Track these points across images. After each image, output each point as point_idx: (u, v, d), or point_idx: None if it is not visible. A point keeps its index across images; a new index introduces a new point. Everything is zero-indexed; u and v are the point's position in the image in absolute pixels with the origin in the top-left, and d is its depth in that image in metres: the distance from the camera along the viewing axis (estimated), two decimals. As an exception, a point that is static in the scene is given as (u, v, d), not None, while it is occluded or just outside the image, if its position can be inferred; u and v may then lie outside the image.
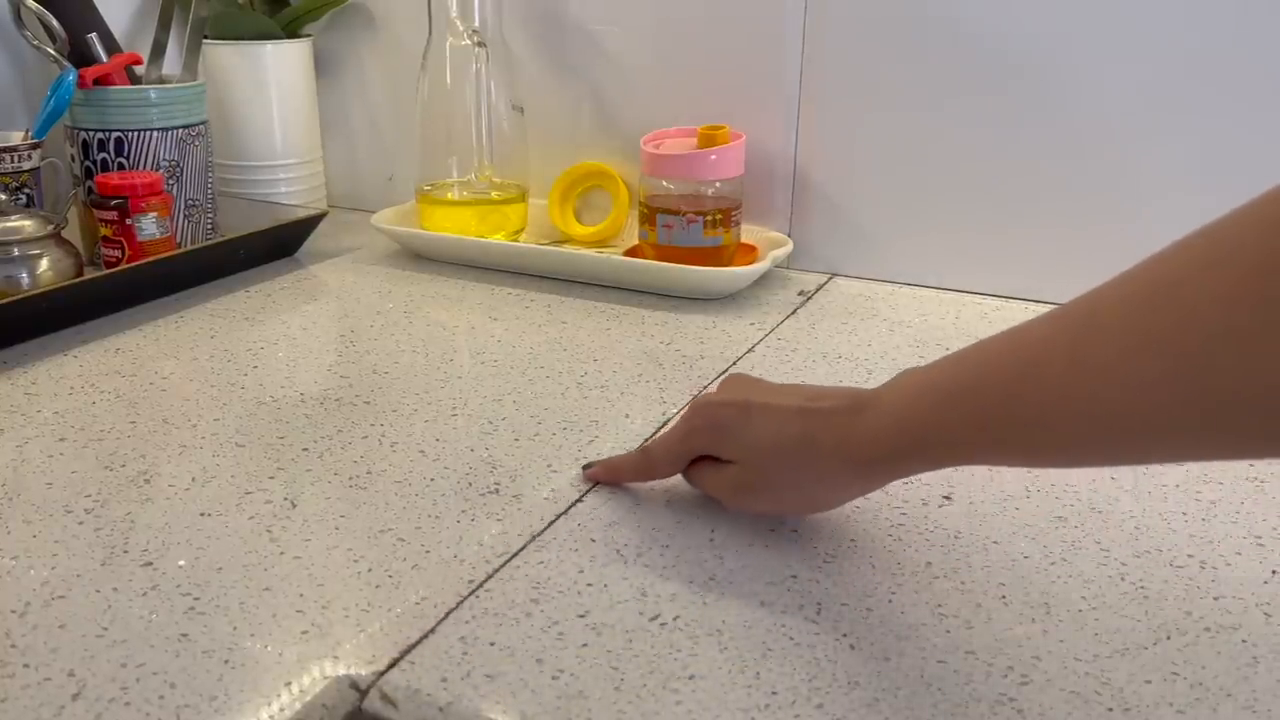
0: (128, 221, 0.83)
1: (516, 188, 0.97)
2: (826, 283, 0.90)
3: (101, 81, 0.87)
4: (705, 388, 0.68)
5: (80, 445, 0.60)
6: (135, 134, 0.87)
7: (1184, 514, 0.53)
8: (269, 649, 0.43)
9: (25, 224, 0.79)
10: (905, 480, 0.56)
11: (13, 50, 0.98)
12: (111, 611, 0.45)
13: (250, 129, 1.03)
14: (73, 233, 0.86)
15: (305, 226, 0.96)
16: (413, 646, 0.43)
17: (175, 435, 0.61)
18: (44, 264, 0.79)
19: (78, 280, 0.79)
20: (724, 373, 0.70)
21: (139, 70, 0.92)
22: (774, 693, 0.40)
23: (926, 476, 0.56)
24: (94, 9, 0.91)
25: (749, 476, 0.49)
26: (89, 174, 0.88)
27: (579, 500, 0.54)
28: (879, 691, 0.40)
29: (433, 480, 0.56)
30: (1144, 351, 0.34)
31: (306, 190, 1.07)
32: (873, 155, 0.88)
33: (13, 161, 0.84)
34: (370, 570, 0.48)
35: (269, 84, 1.02)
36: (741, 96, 0.91)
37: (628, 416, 0.64)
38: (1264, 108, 0.75)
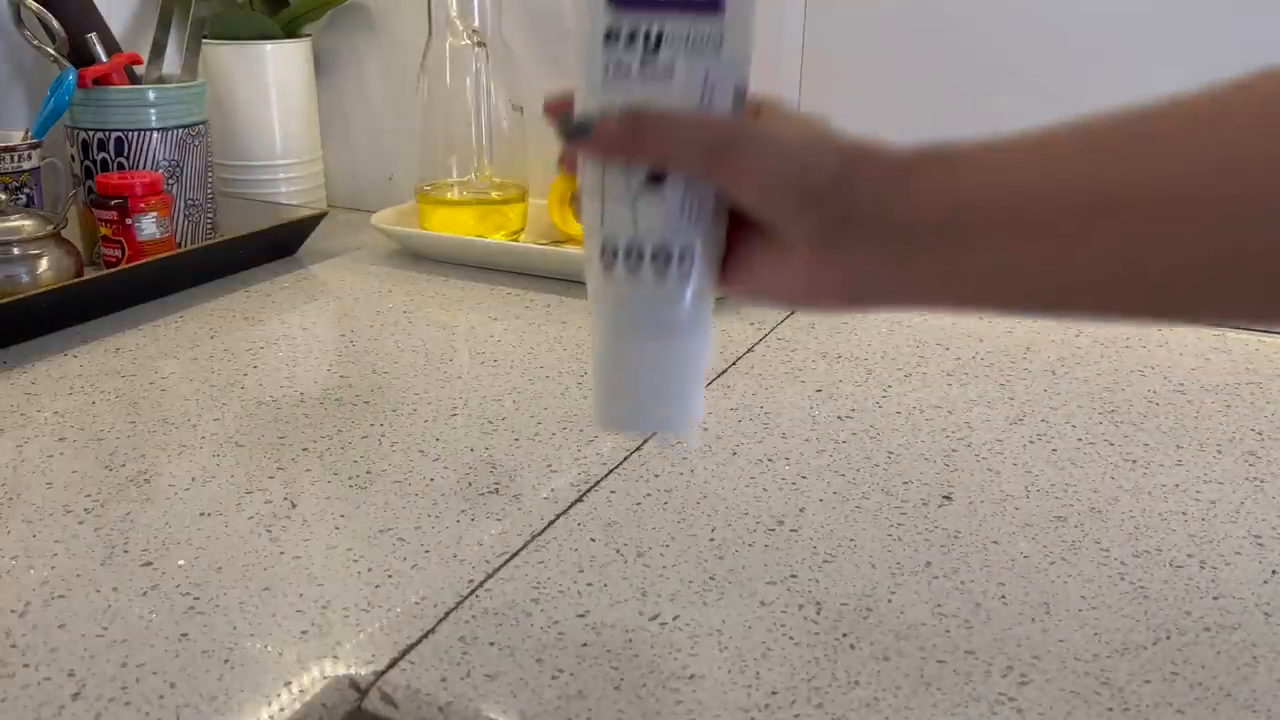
0: (127, 221, 0.83)
1: (516, 188, 0.97)
2: (826, 283, 0.90)
3: (101, 81, 0.87)
4: (705, 387, 0.68)
5: (80, 445, 0.60)
6: (135, 134, 0.87)
7: (1184, 514, 0.53)
8: (269, 649, 0.43)
9: (25, 224, 0.79)
10: (905, 480, 0.56)
11: (12, 50, 0.98)
12: (111, 611, 0.45)
13: (250, 129, 1.03)
14: (72, 233, 0.86)
15: (305, 226, 0.96)
16: (413, 646, 0.43)
17: (175, 435, 0.61)
18: (44, 264, 0.79)
19: (78, 280, 0.79)
20: (724, 372, 0.70)
21: (139, 70, 0.92)
22: (774, 693, 0.40)
23: (926, 476, 0.56)
24: (94, 9, 0.91)
25: None
26: (89, 174, 0.88)
27: (579, 500, 0.54)
28: (879, 691, 0.40)
29: (432, 480, 0.56)
30: None
31: (306, 190, 1.07)
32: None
33: (12, 161, 0.84)
34: (370, 570, 0.48)
35: (269, 84, 1.02)
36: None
37: (627, 416, 0.64)
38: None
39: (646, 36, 0.38)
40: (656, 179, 0.39)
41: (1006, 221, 0.32)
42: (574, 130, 0.38)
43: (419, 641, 0.43)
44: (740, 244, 0.39)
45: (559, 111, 0.41)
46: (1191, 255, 0.29)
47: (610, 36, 0.38)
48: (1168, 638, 0.44)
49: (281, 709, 0.40)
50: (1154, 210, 0.30)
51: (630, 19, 0.38)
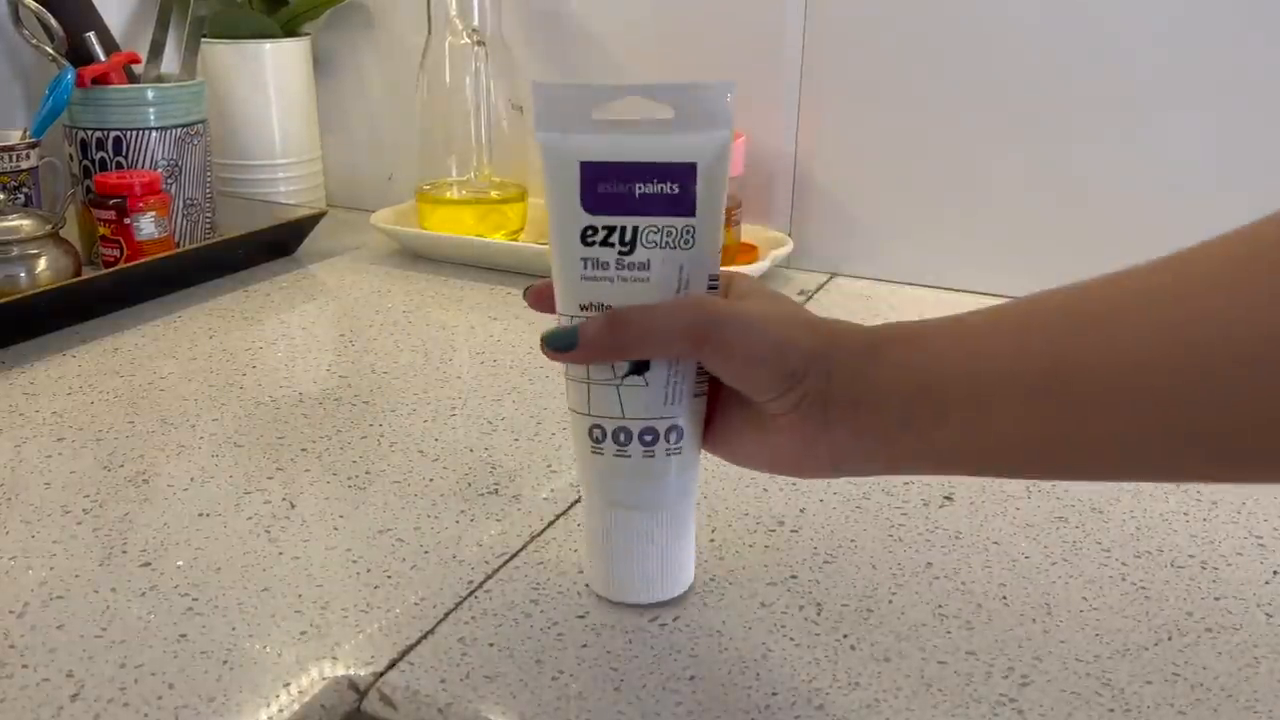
0: (126, 221, 0.82)
1: (516, 187, 0.97)
2: (827, 282, 0.90)
3: (100, 81, 0.87)
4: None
5: (79, 445, 0.60)
6: (133, 133, 0.87)
7: (1185, 514, 0.53)
8: (267, 649, 0.43)
9: (23, 223, 0.79)
10: (906, 480, 0.56)
11: (11, 49, 0.98)
12: (110, 612, 0.45)
13: (249, 128, 1.03)
14: (71, 232, 0.86)
15: (304, 226, 0.96)
16: (412, 647, 0.43)
17: (174, 435, 0.61)
18: (42, 263, 0.79)
19: (76, 280, 0.79)
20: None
21: (137, 69, 0.92)
22: (774, 693, 0.40)
23: (927, 476, 0.56)
24: (92, 8, 0.91)
25: None
26: (87, 173, 0.88)
27: (579, 500, 0.54)
28: (879, 692, 0.40)
29: (432, 480, 0.56)
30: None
31: (305, 190, 1.07)
32: (873, 155, 0.88)
33: (11, 161, 0.84)
34: (369, 571, 0.48)
35: (268, 83, 1.02)
36: (741, 96, 0.91)
37: (627, 416, 0.64)
38: (1266, 105, 0.75)
39: (622, 235, 0.39)
40: (640, 365, 0.40)
41: (967, 398, 0.35)
42: (558, 344, 0.40)
43: (418, 642, 0.43)
44: (724, 416, 0.42)
45: (541, 299, 0.43)
46: (1140, 427, 0.32)
47: (587, 235, 0.39)
48: (1169, 639, 0.43)
49: (280, 710, 0.39)
50: (1102, 386, 0.32)
51: (605, 219, 0.40)
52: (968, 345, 0.36)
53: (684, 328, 0.38)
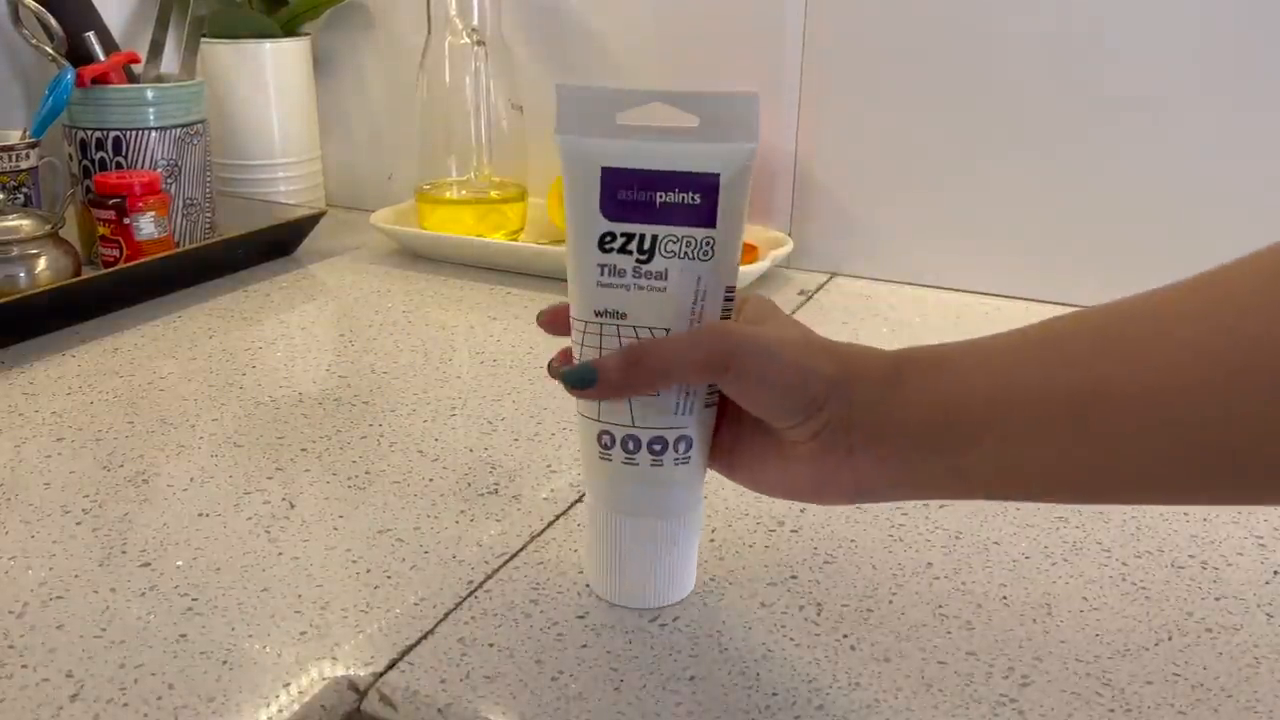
0: (126, 221, 0.82)
1: (516, 187, 0.97)
2: (827, 282, 0.90)
3: (99, 80, 0.87)
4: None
5: (78, 445, 0.60)
6: (133, 133, 0.87)
7: (1185, 514, 0.53)
8: (267, 650, 0.43)
9: (23, 223, 0.79)
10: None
11: (11, 49, 0.98)
12: (109, 612, 0.45)
13: (249, 128, 1.03)
14: (71, 232, 0.86)
15: (304, 226, 0.96)
16: (411, 647, 0.43)
17: (173, 435, 0.61)
18: (42, 263, 0.79)
19: (75, 280, 0.79)
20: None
21: (137, 69, 0.92)
22: (774, 694, 0.40)
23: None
24: (92, 8, 0.91)
25: None
26: (87, 173, 0.88)
27: (579, 500, 0.54)
28: (880, 693, 0.40)
29: (431, 480, 0.56)
30: None
31: (305, 189, 1.07)
32: (873, 154, 0.88)
33: (10, 161, 0.84)
34: (369, 571, 0.48)
35: (267, 83, 1.02)
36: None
37: (627, 416, 0.64)
38: (1268, 106, 0.75)
39: (640, 243, 0.39)
40: None
41: (993, 423, 0.34)
42: (576, 382, 0.40)
43: (418, 643, 0.43)
44: (744, 443, 0.41)
45: (554, 322, 0.43)
46: (1169, 450, 0.31)
47: (605, 242, 0.39)
48: (1169, 639, 0.43)
49: (280, 710, 0.39)
50: (1130, 408, 0.32)
51: (624, 226, 0.39)
52: (993, 368, 0.35)
53: (703, 360, 0.38)
